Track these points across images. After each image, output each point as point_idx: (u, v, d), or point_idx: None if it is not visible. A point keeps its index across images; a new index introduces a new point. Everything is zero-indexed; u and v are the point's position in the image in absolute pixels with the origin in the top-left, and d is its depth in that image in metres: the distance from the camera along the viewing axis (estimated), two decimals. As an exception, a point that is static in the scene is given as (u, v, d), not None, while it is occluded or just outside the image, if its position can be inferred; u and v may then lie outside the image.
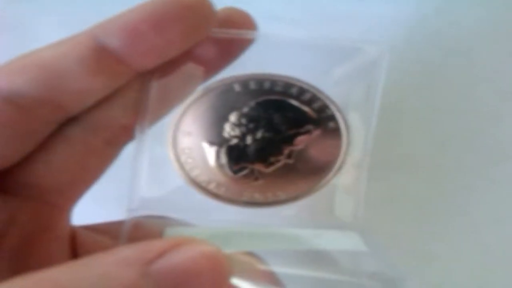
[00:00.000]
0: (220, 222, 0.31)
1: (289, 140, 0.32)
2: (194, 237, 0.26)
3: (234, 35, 0.30)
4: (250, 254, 0.30)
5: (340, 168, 0.33)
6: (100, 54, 0.27)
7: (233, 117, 0.31)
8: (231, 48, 0.30)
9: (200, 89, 0.31)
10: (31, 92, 0.26)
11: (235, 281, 0.27)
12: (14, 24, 0.48)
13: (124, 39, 0.27)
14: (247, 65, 0.31)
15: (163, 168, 0.31)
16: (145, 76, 0.29)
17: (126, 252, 0.24)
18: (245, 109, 0.31)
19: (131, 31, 0.26)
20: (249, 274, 0.29)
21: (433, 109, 0.48)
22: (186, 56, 0.29)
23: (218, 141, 0.31)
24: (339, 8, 0.49)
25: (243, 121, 0.31)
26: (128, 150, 0.31)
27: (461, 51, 0.49)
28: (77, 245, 0.32)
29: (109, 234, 0.33)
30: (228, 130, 0.31)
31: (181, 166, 0.31)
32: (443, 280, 0.46)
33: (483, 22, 0.49)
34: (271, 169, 0.32)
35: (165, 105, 0.30)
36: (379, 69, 0.32)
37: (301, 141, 0.32)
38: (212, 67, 0.31)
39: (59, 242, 0.31)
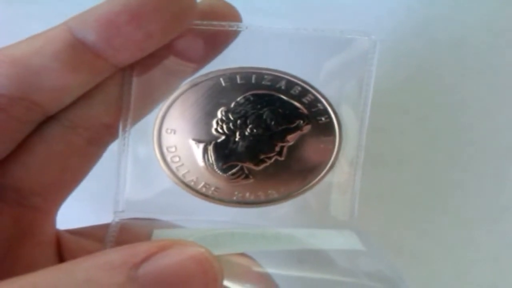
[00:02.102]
0: (210, 223, 0.30)
1: (280, 137, 0.30)
2: (183, 239, 0.25)
3: (217, 27, 0.28)
4: (243, 255, 0.29)
5: (333, 165, 0.31)
6: (76, 48, 0.25)
7: (220, 113, 0.30)
8: (215, 41, 0.29)
9: (184, 84, 0.29)
10: (5, 91, 0.25)
11: (227, 284, 0.26)
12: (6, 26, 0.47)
13: (100, 33, 0.25)
14: (233, 58, 0.30)
15: (149, 168, 0.29)
16: (126, 72, 0.28)
17: (111, 256, 0.23)
18: (232, 105, 0.30)
19: (107, 24, 0.25)
20: (242, 276, 0.28)
21: (422, 103, 0.47)
22: (168, 50, 0.28)
23: (206, 138, 0.30)
24: (322, 0, 0.48)
25: (231, 117, 0.30)
26: (112, 149, 0.30)
27: (450, 44, 0.48)
28: (63, 249, 0.30)
29: (95, 238, 0.31)
30: (216, 126, 0.30)
31: (168, 165, 0.29)
32: (433, 276, 0.45)
33: (472, 14, 0.48)
34: (261, 167, 0.30)
35: (148, 101, 0.29)
36: (370, 60, 0.31)
37: (292, 137, 0.30)
38: (196, 61, 0.29)
39: (43, 247, 0.30)
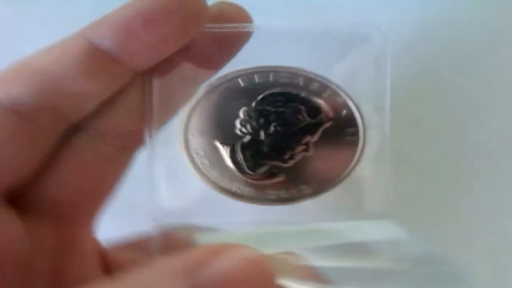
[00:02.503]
0: (248, 224, 0.30)
1: (304, 132, 0.31)
2: (231, 242, 0.25)
3: (230, 29, 0.29)
4: (288, 252, 0.29)
5: (361, 156, 0.32)
6: (93, 55, 0.26)
7: (242, 113, 0.30)
8: (230, 43, 0.29)
9: (203, 87, 0.30)
10: (29, 100, 0.26)
11: (281, 281, 0.26)
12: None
13: (115, 38, 0.26)
14: (249, 59, 0.30)
15: (180, 173, 0.30)
16: (145, 77, 0.29)
17: (171, 264, 0.24)
18: (253, 104, 0.30)
19: (122, 29, 0.26)
20: (293, 272, 0.28)
21: (420, 103, 0.47)
22: (184, 53, 0.29)
23: (231, 139, 0.30)
24: (322, 1, 0.49)
25: (253, 116, 0.30)
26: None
27: (448, 44, 0.49)
28: (107, 261, 0.31)
29: (137, 248, 0.32)
30: (239, 126, 0.30)
31: (198, 169, 0.30)
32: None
33: (469, 14, 0.49)
34: (290, 163, 0.31)
35: (170, 105, 0.30)
36: (385, 54, 0.31)
37: (316, 132, 0.31)
38: (213, 64, 0.30)
39: (88, 259, 0.30)
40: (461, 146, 0.47)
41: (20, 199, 0.28)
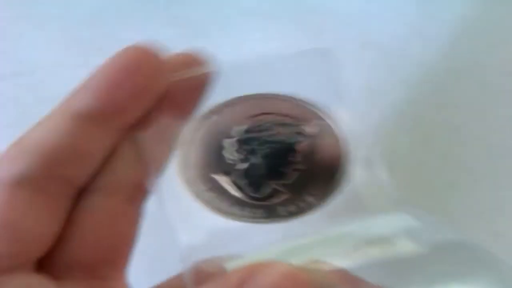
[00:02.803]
0: (269, 243, 0.31)
1: (291, 149, 0.33)
2: (262, 260, 0.26)
3: (193, 73, 0.32)
4: (317, 260, 0.30)
5: (351, 159, 0.33)
6: (81, 121, 0.29)
7: (227, 144, 0.32)
8: (198, 85, 0.32)
9: (185, 129, 0.32)
10: (36, 173, 0.28)
11: None
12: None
13: (93, 103, 0.28)
14: (218, 94, 0.33)
15: (192, 211, 0.31)
16: (133, 132, 0.31)
17: None
18: (234, 133, 0.32)
19: (97, 94, 0.29)
20: (327, 278, 0.28)
21: (415, 103, 0.49)
22: (159, 106, 0.31)
23: (226, 169, 0.32)
24: (314, 2, 0.50)
25: (237, 144, 0.32)
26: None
27: (443, 44, 0.51)
28: None
29: None
30: (228, 156, 0.32)
31: (208, 203, 0.31)
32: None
33: (463, 15, 0.51)
34: (289, 180, 0.32)
35: (161, 154, 0.32)
36: (337, 67, 0.34)
37: (302, 146, 0.33)
38: (187, 108, 0.32)
39: None
40: (458, 145, 0.48)
41: (48, 265, 0.29)
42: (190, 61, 0.32)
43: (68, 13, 0.47)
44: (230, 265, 0.30)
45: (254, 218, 0.32)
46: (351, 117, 0.34)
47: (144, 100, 0.30)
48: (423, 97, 0.50)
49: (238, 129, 0.33)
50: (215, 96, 0.33)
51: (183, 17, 0.59)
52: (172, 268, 0.31)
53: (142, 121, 0.31)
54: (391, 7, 0.53)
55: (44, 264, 0.29)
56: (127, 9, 0.57)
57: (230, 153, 0.32)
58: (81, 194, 0.30)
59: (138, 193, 0.31)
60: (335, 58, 0.35)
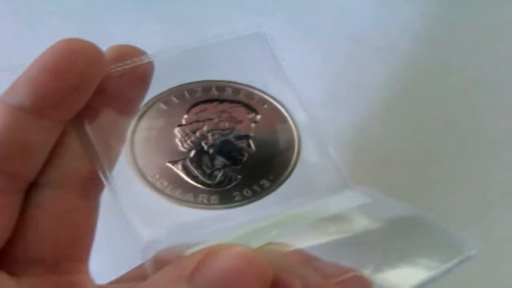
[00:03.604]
0: (226, 229, 0.31)
1: (242, 135, 0.33)
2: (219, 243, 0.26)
3: (131, 64, 0.31)
4: (274, 242, 0.30)
5: (300, 140, 0.34)
6: (18, 116, 0.28)
7: (177, 132, 0.32)
8: (137, 76, 0.32)
9: (133, 119, 0.32)
10: None
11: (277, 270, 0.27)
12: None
13: (32, 96, 0.28)
14: (161, 84, 0.33)
15: (147, 201, 0.31)
16: (77, 126, 0.31)
17: (165, 274, 0.26)
18: (183, 121, 0.32)
19: (34, 87, 0.28)
20: (284, 258, 0.28)
21: (404, 98, 0.49)
22: (103, 97, 0.31)
23: (179, 156, 0.32)
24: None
25: (188, 131, 0.32)
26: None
27: (434, 41, 0.51)
28: None
29: (134, 279, 0.32)
30: (180, 144, 0.32)
31: (161, 192, 0.31)
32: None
33: (455, 12, 0.51)
34: (240, 163, 0.32)
35: (110, 144, 0.31)
36: (273, 46, 0.34)
37: (249, 129, 0.33)
38: (132, 98, 0.32)
39: None
40: (447, 141, 0.48)
41: (5, 262, 0.29)
42: (128, 52, 0.32)
43: (61, 9, 0.46)
44: (189, 252, 0.29)
45: (209, 205, 0.31)
46: (297, 100, 0.34)
47: (83, 90, 0.29)
48: (412, 92, 0.50)
49: (188, 117, 0.33)
50: (159, 85, 0.33)
51: (178, 14, 0.59)
52: (133, 259, 0.31)
53: (88, 114, 0.30)
54: (382, 2, 0.53)
55: (1, 261, 0.29)
56: (121, 5, 0.57)
57: (182, 141, 0.32)
58: (31, 188, 0.30)
59: (91, 186, 0.31)
60: (273, 41, 0.35)
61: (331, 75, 0.47)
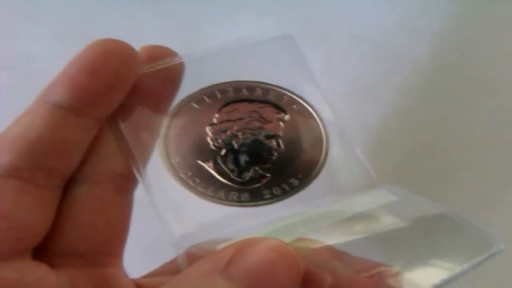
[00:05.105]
0: (257, 225, 0.31)
1: (272, 134, 0.33)
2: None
3: (164, 64, 0.32)
4: (304, 238, 0.30)
5: (328, 139, 0.34)
6: (58, 114, 0.28)
7: (209, 131, 0.32)
8: (169, 76, 0.32)
9: (166, 118, 0.32)
10: (21, 164, 0.28)
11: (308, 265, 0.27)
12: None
13: (70, 95, 0.28)
14: (192, 84, 0.33)
15: (180, 198, 0.31)
16: (112, 124, 0.31)
17: (199, 268, 0.26)
18: (215, 120, 0.33)
19: (72, 86, 0.28)
20: (314, 254, 0.28)
21: (400, 95, 0.49)
22: (137, 96, 0.31)
23: (211, 155, 0.32)
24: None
25: (219, 130, 0.32)
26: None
27: (432, 39, 0.51)
28: None
29: (167, 273, 0.32)
30: (212, 143, 0.32)
31: (194, 189, 0.31)
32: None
33: (449, 9, 0.51)
34: (270, 162, 0.32)
35: (144, 142, 0.31)
36: (300, 53, 0.35)
37: (278, 128, 0.33)
38: (164, 97, 0.32)
39: None
40: (445, 137, 0.48)
41: (45, 254, 0.29)
42: (161, 53, 0.32)
43: (62, 6, 0.47)
44: (221, 247, 0.30)
45: (239, 202, 0.32)
46: (324, 100, 0.35)
47: (118, 89, 0.30)
48: (411, 89, 0.51)
49: (219, 116, 0.33)
50: (191, 85, 0.33)
51: (178, 12, 0.59)
52: (166, 254, 0.31)
53: (123, 112, 0.31)
54: (381, 1, 0.53)
55: (41, 253, 0.29)
56: (121, 3, 0.57)
57: (214, 140, 0.32)
58: (69, 184, 0.30)
59: (125, 182, 0.31)
60: (297, 44, 0.35)
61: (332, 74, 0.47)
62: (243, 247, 0.26)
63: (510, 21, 0.54)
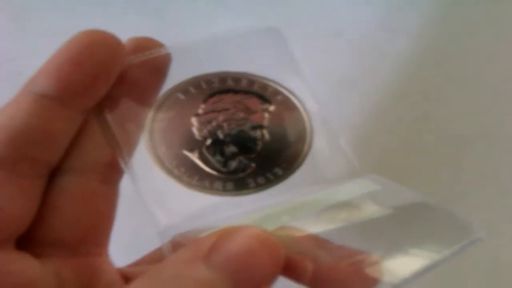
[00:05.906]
0: (241, 214, 0.31)
1: (257, 124, 0.33)
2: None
3: (150, 55, 0.32)
4: (287, 227, 0.30)
5: (312, 130, 0.34)
6: (43, 104, 0.28)
7: (194, 121, 0.32)
8: (156, 66, 0.32)
9: (152, 108, 0.32)
10: (6, 153, 0.28)
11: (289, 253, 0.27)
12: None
13: (55, 85, 0.28)
14: (179, 74, 0.33)
15: (165, 186, 0.31)
16: (98, 114, 0.31)
17: (181, 255, 0.26)
18: (200, 111, 0.33)
19: (57, 76, 0.28)
20: (297, 242, 0.29)
21: (382, 91, 0.49)
22: (123, 87, 0.31)
23: (196, 145, 0.32)
24: None
25: (204, 120, 0.33)
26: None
27: (410, 36, 0.51)
28: (129, 279, 0.32)
29: (152, 261, 0.33)
30: (197, 132, 0.32)
31: (179, 178, 0.31)
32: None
33: (428, 6, 0.51)
34: (255, 152, 0.33)
35: (130, 132, 0.31)
36: (284, 42, 0.35)
37: (263, 119, 0.33)
38: (150, 88, 0.32)
39: (113, 283, 0.32)
40: (424, 133, 0.48)
41: (29, 244, 0.29)
42: (147, 43, 0.32)
43: (45, 3, 0.47)
44: (204, 235, 0.30)
45: (224, 192, 0.32)
46: (309, 92, 0.35)
47: (103, 80, 0.30)
48: (390, 86, 0.51)
49: (205, 107, 0.33)
50: (177, 75, 0.33)
51: (160, 10, 0.59)
52: (151, 244, 0.31)
53: (109, 103, 0.31)
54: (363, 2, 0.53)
55: (25, 243, 0.29)
56: (104, 1, 0.57)
57: (199, 130, 0.33)
58: (54, 174, 0.30)
59: (111, 172, 0.31)
60: (283, 35, 0.35)
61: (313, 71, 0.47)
62: (224, 235, 0.26)
63: (488, 19, 0.54)
